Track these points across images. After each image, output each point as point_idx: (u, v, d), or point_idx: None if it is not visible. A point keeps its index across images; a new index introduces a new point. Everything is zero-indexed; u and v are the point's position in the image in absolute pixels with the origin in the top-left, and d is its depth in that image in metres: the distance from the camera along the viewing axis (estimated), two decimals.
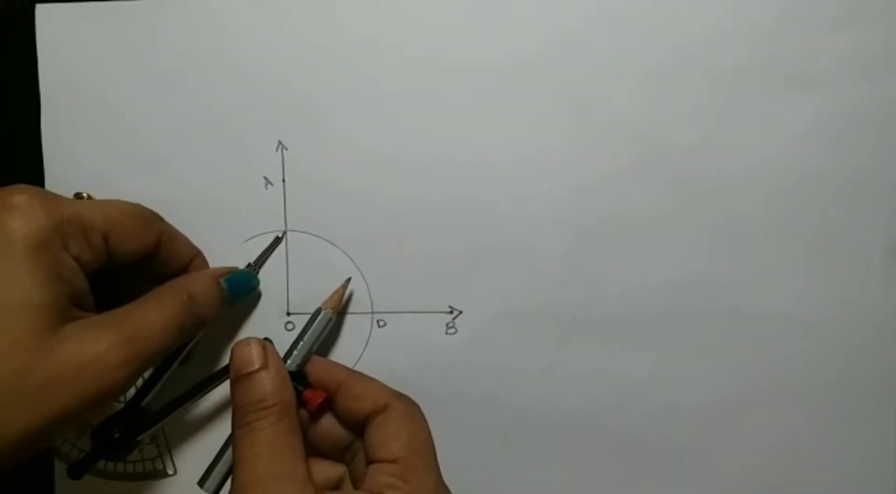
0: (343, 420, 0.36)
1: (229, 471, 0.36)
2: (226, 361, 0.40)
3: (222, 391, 0.39)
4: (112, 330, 0.31)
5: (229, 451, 0.36)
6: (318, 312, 0.38)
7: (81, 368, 0.30)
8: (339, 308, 0.39)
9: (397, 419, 0.34)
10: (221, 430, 0.40)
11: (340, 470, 0.36)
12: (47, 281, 0.30)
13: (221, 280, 0.37)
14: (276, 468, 0.31)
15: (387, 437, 0.33)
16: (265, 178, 0.39)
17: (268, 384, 0.33)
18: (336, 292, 0.39)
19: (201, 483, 0.36)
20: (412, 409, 0.35)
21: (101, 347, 0.30)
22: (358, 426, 0.35)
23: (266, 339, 0.36)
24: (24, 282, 0.30)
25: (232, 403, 0.34)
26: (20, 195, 0.31)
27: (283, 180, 0.39)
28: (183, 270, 0.38)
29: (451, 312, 0.39)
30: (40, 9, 0.40)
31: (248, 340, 0.34)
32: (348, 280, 0.39)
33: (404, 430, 0.33)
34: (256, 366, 0.33)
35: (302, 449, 0.33)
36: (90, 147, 0.40)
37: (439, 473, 0.34)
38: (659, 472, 0.39)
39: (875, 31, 0.37)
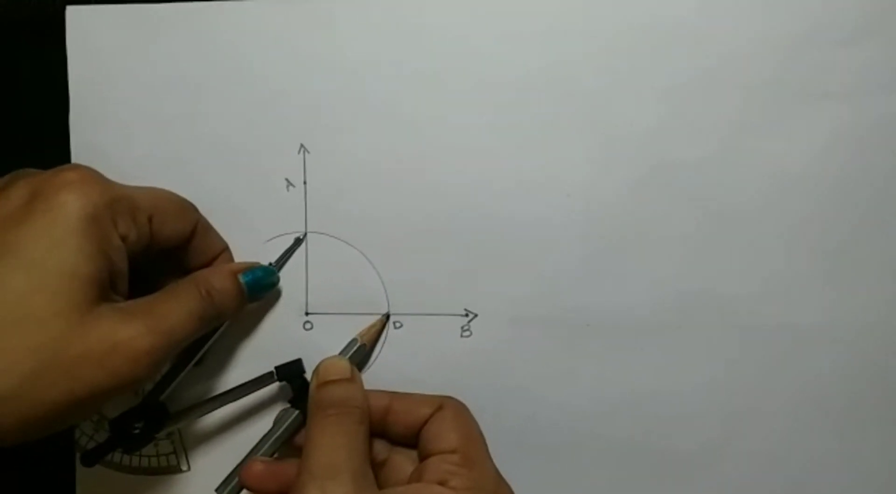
0: (396, 435, 0.37)
1: None
2: (243, 359, 0.40)
3: (243, 402, 0.40)
4: (141, 317, 0.32)
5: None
6: (353, 342, 0.39)
7: (115, 348, 0.31)
8: (374, 342, 0.40)
9: (453, 414, 0.36)
10: (238, 432, 0.41)
11: None
12: (94, 255, 0.31)
13: (240, 276, 0.37)
14: (353, 460, 0.32)
15: (444, 429, 0.35)
16: (287, 179, 0.40)
17: (357, 391, 0.36)
18: (373, 325, 0.40)
19: (219, 490, 0.37)
20: (464, 406, 0.37)
21: (133, 332, 0.31)
22: (411, 436, 0.36)
23: None
24: (75, 253, 0.31)
25: (312, 402, 0.35)
26: (75, 172, 0.32)
27: (305, 182, 0.40)
28: (211, 263, 0.39)
29: (467, 315, 0.40)
30: (71, 10, 0.40)
31: (337, 356, 0.38)
32: (386, 317, 0.40)
33: (460, 423, 0.35)
34: (348, 376, 0.36)
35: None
36: (117, 148, 0.40)
37: (494, 463, 0.35)
38: (669, 481, 0.40)
39: (889, 44, 0.38)
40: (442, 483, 0.33)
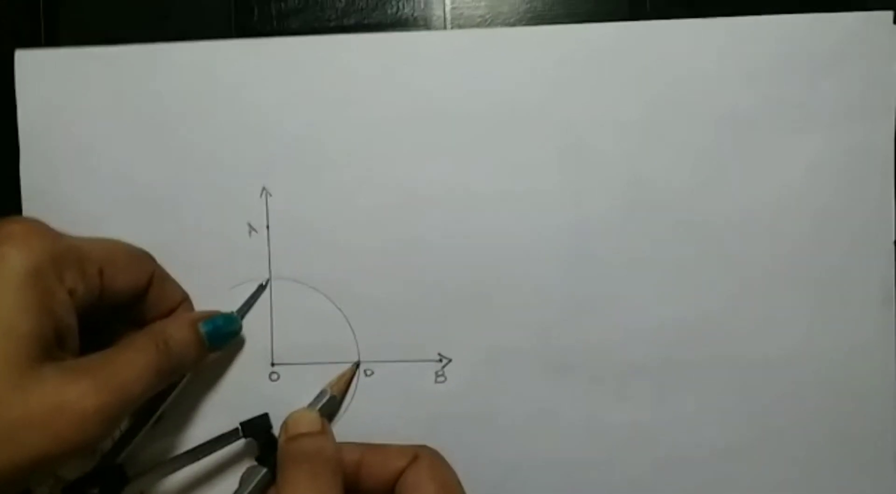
0: (370, 490, 0.35)
1: None
2: (206, 414, 0.39)
3: (208, 460, 0.38)
4: (90, 375, 0.30)
5: None
6: (323, 393, 0.38)
7: (59, 411, 0.29)
8: (345, 392, 0.38)
9: (429, 464, 0.34)
10: (204, 490, 0.39)
11: None
12: (36, 312, 0.29)
13: (200, 325, 0.36)
14: None
15: (421, 481, 0.34)
16: (249, 224, 0.39)
17: (329, 442, 0.35)
18: (343, 376, 0.38)
19: None
20: (440, 456, 0.35)
21: (79, 391, 0.29)
22: (387, 490, 0.35)
23: None
24: (12, 310, 0.29)
25: (283, 456, 0.34)
26: (19, 225, 0.31)
27: (268, 227, 0.39)
28: (169, 314, 0.37)
29: (441, 360, 0.38)
30: (20, 54, 0.39)
31: (306, 409, 0.37)
32: (356, 365, 0.38)
33: (437, 473, 0.34)
34: (318, 428, 0.35)
35: None
36: (70, 194, 0.39)
37: None
38: None
39: (868, 69, 0.38)
40: None
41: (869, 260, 0.38)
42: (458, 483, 0.35)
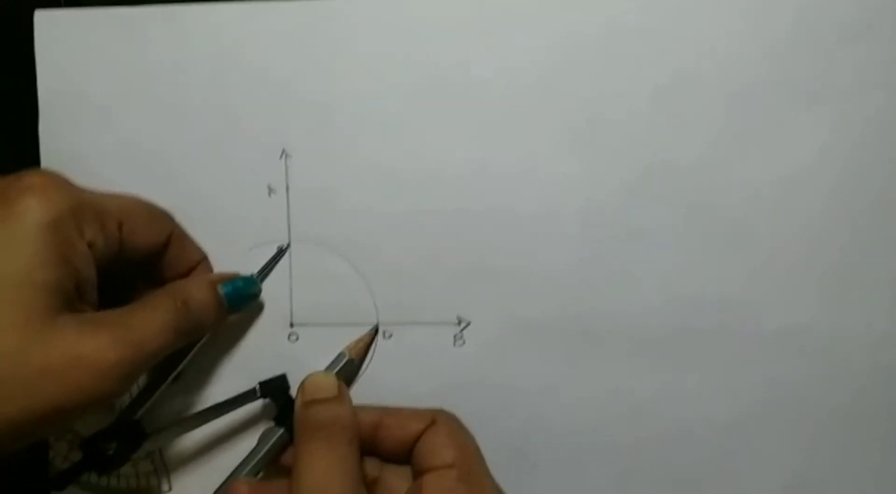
0: (387, 452, 0.35)
1: None
2: (225, 374, 0.39)
3: (226, 419, 0.38)
4: (109, 329, 0.30)
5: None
6: (341, 356, 0.38)
7: (78, 362, 0.29)
8: (363, 355, 0.38)
9: (447, 428, 0.34)
10: (221, 451, 0.39)
11: None
12: (55, 262, 0.29)
13: (219, 286, 0.36)
14: (346, 484, 0.31)
15: (439, 445, 0.33)
16: (268, 186, 0.39)
17: (345, 409, 0.34)
18: (361, 339, 0.38)
19: None
20: (458, 419, 0.35)
21: (98, 343, 0.29)
22: (404, 452, 0.35)
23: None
24: (31, 260, 0.29)
25: (298, 422, 0.34)
26: (38, 177, 0.31)
27: (287, 188, 0.38)
28: (188, 274, 0.37)
29: (460, 323, 0.38)
30: (39, 14, 0.39)
31: (323, 372, 0.36)
32: (375, 329, 0.38)
33: (455, 437, 0.34)
34: (335, 394, 0.34)
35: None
36: (88, 155, 0.39)
37: (493, 477, 0.34)
38: (671, 489, 0.38)
39: (886, 43, 0.37)
40: None
41: (882, 234, 0.37)
42: (476, 446, 0.35)
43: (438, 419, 0.34)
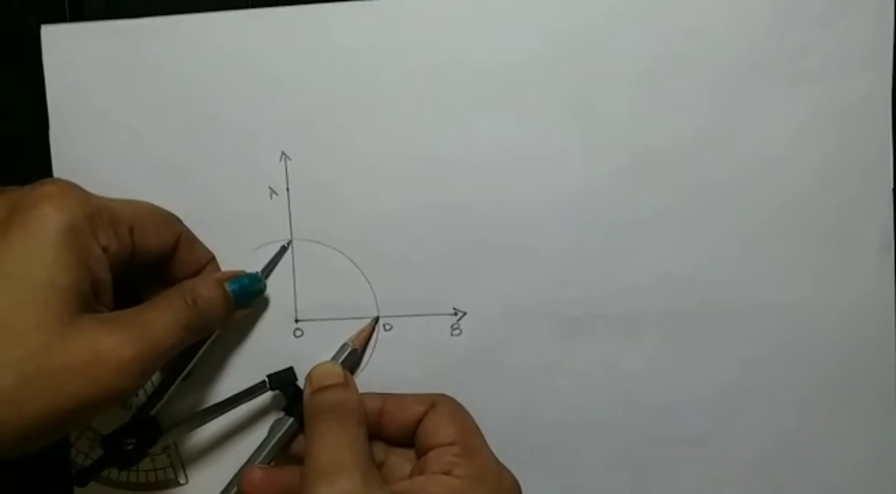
0: (391, 436, 0.37)
1: None
2: (234, 369, 0.40)
3: (237, 412, 0.40)
4: (125, 327, 0.32)
5: None
6: (344, 346, 0.39)
7: (99, 358, 0.31)
8: (365, 345, 0.40)
9: (447, 409, 0.36)
10: (234, 443, 0.41)
11: None
12: (74, 267, 0.31)
13: (226, 284, 0.37)
14: (358, 458, 0.33)
15: (440, 424, 0.35)
16: (270, 188, 0.40)
17: (352, 394, 0.36)
18: (363, 330, 0.40)
19: None
20: (457, 401, 0.37)
21: (116, 341, 0.31)
22: (407, 435, 0.37)
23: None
24: (52, 265, 0.30)
25: (308, 407, 0.36)
26: (54, 186, 0.32)
27: (288, 190, 0.40)
28: (197, 274, 0.38)
29: (456, 314, 0.40)
30: (46, 29, 0.40)
31: (329, 362, 0.38)
32: (376, 320, 0.40)
33: (456, 416, 0.36)
34: (341, 380, 0.36)
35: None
36: (99, 163, 0.40)
37: (493, 452, 0.36)
38: (666, 468, 0.40)
39: (865, 24, 0.38)
40: (446, 474, 0.33)
41: (868, 207, 0.39)
42: (475, 425, 0.36)
43: (439, 402, 0.36)
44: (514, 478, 0.35)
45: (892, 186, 0.39)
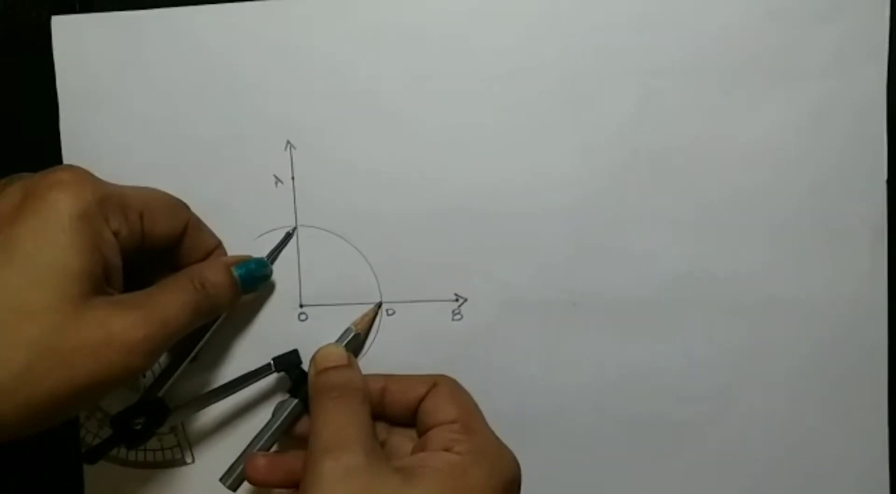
0: (393, 416, 0.38)
1: None
2: (240, 352, 0.41)
3: (243, 393, 0.41)
4: (135, 309, 0.33)
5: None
6: (348, 331, 0.40)
7: (110, 339, 0.32)
8: (368, 330, 0.41)
9: (448, 389, 0.37)
10: (240, 423, 0.42)
11: None
12: (87, 250, 0.32)
13: (233, 268, 0.38)
14: (362, 435, 0.33)
15: (441, 403, 0.36)
16: (275, 176, 0.41)
17: (356, 374, 0.37)
18: (366, 315, 0.41)
19: (224, 479, 0.38)
20: (457, 382, 0.38)
21: (126, 323, 0.32)
22: (409, 415, 0.37)
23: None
24: (66, 249, 0.31)
25: (313, 387, 0.36)
26: (67, 172, 0.33)
27: (293, 178, 0.41)
28: (205, 259, 0.39)
29: (457, 299, 0.41)
30: (56, 20, 0.41)
31: (333, 344, 0.39)
32: (379, 305, 0.41)
33: (457, 396, 0.37)
34: (345, 362, 0.37)
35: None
36: (108, 151, 0.41)
37: (492, 430, 0.36)
38: (658, 455, 0.41)
39: (861, 21, 0.39)
40: (447, 450, 0.34)
41: (863, 199, 0.39)
42: (476, 404, 0.37)
43: (440, 382, 0.37)
44: (514, 456, 0.35)
45: (885, 177, 0.39)
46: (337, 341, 0.40)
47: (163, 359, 0.40)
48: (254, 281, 0.39)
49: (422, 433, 0.36)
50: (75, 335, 0.31)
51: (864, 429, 0.40)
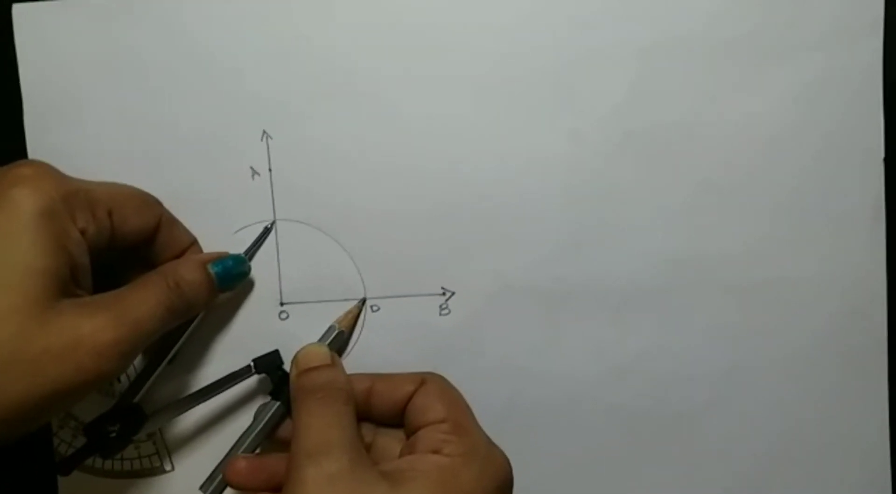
0: (380, 416, 0.36)
1: None
2: (219, 354, 0.40)
3: (223, 397, 0.39)
4: (105, 310, 0.31)
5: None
6: (331, 329, 0.39)
7: (78, 342, 0.30)
8: (352, 327, 0.39)
9: (436, 387, 0.36)
10: (220, 428, 0.40)
11: None
12: (51, 249, 0.30)
13: (209, 266, 0.37)
14: (345, 437, 0.32)
15: (430, 402, 0.35)
16: (252, 168, 0.39)
17: (340, 374, 0.35)
18: (350, 312, 0.39)
19: (204, 487, 0.36)
20: (446, 379, 0.37)
21: (96, 325, 0.31)
22: (396, 415, 0.36)
23: None
24: (28, 248, 0.30)
25: (295, 389, 0.35)
26: (29, 168, 0.32)
27: (270, 170, 0.39)
28: (179, 257, 0.38)
29: (444, 293, 0.39)
30: (17, 8, 0.39)
31: (316, 343, 0.37)
32: (363, 302, 0.39)
33: (446, 394, 0.35)
34: (328, 362, 0.36)
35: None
36: (76, 146, 0.39)
37: (482, 429, 0.35)
38: (656, 443, 0.40)
39: None
40: (436, 452, 0.33)
41: (860, 177, 0.39)
42: (465, 402, 0.36)
43: (428, 380, 0.36)
44: (505, 456, 0.34)
45: (882, 155, 0.39)
46: (320, 340, 0.38)
47: (138, 362, 0.39)
48: (231, 279, 0.38)
49: (410, 433, 0.35)
50: (42, 339, 0.30)
51: (864, 411, 0.40)
